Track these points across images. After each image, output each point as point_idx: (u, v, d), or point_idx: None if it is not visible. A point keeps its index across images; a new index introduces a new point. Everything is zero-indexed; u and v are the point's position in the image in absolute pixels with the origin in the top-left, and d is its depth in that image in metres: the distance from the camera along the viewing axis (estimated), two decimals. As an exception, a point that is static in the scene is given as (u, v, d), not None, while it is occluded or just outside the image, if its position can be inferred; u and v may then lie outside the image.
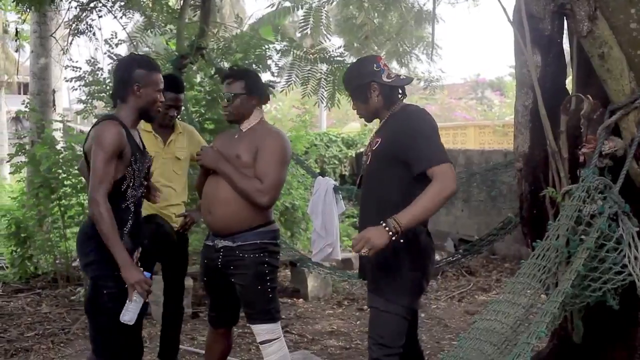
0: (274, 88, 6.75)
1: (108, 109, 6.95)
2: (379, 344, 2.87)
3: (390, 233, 2.63)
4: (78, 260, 3.21)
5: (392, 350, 2.87)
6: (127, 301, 2.91)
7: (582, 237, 2.69)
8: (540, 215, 3.48)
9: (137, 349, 3.19)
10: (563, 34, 3.48)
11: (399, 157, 2.82)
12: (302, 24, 6.96)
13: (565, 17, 3.34)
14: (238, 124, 3.40)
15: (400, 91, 2.99)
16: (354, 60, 3.17)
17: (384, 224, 2.64)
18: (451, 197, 2.74)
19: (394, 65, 9.26)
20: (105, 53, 6.78)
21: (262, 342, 3.36)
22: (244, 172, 3.24)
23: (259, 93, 3.40)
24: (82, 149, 3.16)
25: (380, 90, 2.93)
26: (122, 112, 3.07)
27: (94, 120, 7.93)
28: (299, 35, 8.34)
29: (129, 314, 2.91)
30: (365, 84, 2.94)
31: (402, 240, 2.75)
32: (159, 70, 3.19)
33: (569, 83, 3.62)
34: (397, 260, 2.85)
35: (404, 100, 3.04)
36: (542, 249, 2.74)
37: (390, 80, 2.94)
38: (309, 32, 6.94)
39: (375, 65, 2.95)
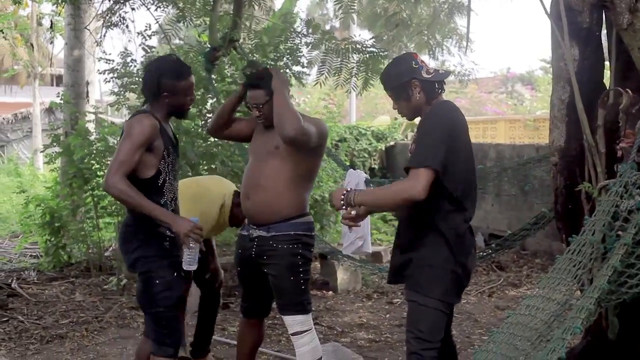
0: (304, 80, 6.77)
1: (140, 101, 7.02)
2: (417, 337, 2.85)
3: (342, 202, 2.82)
4: (123, 259, 3.26)
5: (431, 344, 2.85)
6: (185, 250, 3.02)
7: (619, 232, 2.65)
8: (575, 210, 3.44)
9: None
10: (602, 26, 3.43)
11: None
12: (337, 3, 6.89)
13: (604, 10, 3.29)
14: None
15: (437, 85, 2.94)
16: (391, 61, 3.15)
17: (343, 195, 2.82)
18: (409, 202, 2.73)
19: (424, 58, 9.22)
20: (140, 45, 6.86)
21: (294, 334, 3.38)
22: (282, 162, 3.29)
23: None
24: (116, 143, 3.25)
25: (421, 86, 2.90)
26: (154, 107, 3.14)
27: (127, 112, 8.04)
28: (328, 27, 8.32)
29: (190, 261, 3.04)
30: (406, 82, 2.91)
31: (445, 236, 2.81)
32: (188, 73, 3.20)
33: (607, 76, 3.57)
34: (438, 255, 2.84)
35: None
36: (578, 244, 2.70)
37: (430, 75, 2.90)
38: (339, 17, 6.89)
39: (413, 62, 2.92)
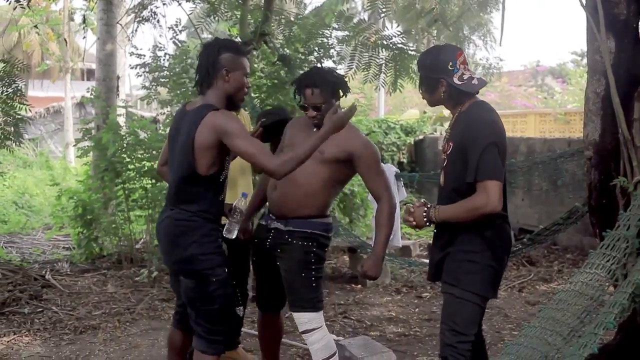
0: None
1: (171, 95, 7.08)
2: (453, 330, 2.88)
3: (426, 220, 2.89)
4: (169, 254, 3.12)
5: (466, 337, 2.88)
6: (231, 219, 3.16)
7: (655, 227, 2.62)
8: (610, 204, 3.40)
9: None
10: (639, 18, 3.37)
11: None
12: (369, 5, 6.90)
13: (642, 1, 3.25)
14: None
15: (464, 94, 2.91)
16: (434, 47, 3.14)
17: (425, 212, 2.87)
18: (487, 216, 2.77)
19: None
20: (171, 39, 6.91)
21: (303, 332, 3.35)
22: (321, 166, 3.26)
23: (339, 92, 3.35)
24: (189, 142, 2.94)
25: (447, 89, 2.90)
26: (214, 99, 2.99)
27: (157, 107, 8.07)
28: (356, 21, 8.35)
29: (232, 230, 3.20)
30: (434, 78, 2.92)
31: (483, 231, 2.83)
32: (245, 54, 3.15)
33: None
34: (476, 250, 2.85)
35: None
36: (612, 239, 2.69)
37: (460, 83, 2.87)
38: (367, 10, 6.91)
39: (451, 62, 2.89)
